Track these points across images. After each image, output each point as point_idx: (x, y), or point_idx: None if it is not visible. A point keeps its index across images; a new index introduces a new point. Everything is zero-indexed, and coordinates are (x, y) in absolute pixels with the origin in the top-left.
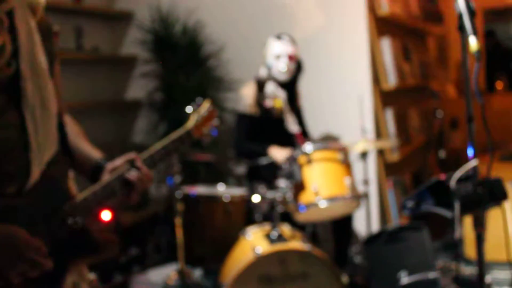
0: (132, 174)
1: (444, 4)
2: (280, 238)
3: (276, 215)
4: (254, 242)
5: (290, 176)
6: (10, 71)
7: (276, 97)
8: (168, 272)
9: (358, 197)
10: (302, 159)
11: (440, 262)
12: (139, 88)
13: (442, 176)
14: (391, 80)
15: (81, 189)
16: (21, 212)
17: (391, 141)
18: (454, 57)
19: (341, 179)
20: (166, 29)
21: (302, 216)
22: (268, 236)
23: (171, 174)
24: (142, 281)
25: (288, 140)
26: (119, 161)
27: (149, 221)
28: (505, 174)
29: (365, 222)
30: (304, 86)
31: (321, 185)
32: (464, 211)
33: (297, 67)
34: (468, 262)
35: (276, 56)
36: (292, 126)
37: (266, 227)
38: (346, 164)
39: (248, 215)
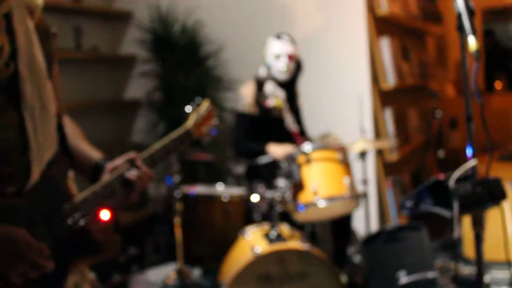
0: (132, 174)
1: (443, 4)
2: (279, 237)
3: (275, 214)
4: (253, 242)
5: (289, 175)
6: (8, 72)
7: (276, 96)
8: (167, 271)
9: (357, 197)
10: (301, 158)
11: (439, 261)
12: (138, 87)
13: (441, 176)
14: (390, 80)
15: (81, 189)
16: (21, 212)
17: (390, 141)
18: (453, 57)
19: (340, 178)
20: (165, 29)
21: (301, 216)
22: (267, 235)
23: (170, 174)
24: (141, 281)
25: (287, 140)
26: (119, 161)
27: (148, 221)
28: (504, 174)
29: (364, 222)
30: (303, 86)
31: (320, 185)
32: (463, 211)
33: (297, 66)
34: (467, 261)
35: (276, 56)
36: (291, 125)
37: (265, 226)
38: (345, 164)
39: (247, 214)
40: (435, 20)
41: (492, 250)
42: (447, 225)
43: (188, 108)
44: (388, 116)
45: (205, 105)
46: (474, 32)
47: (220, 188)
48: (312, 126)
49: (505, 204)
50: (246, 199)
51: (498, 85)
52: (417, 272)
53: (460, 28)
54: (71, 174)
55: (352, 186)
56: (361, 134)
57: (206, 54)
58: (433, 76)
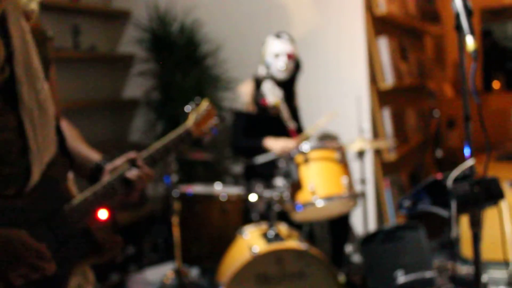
0: (133, 173)
1: (441, 3)
2: (277, 237)
3: (273, 214)
4: (251, 241)
5: (287, 175)
6: (4, 76)
7: (274, 95)
8: (164, 271)
9: (355, 197)
10: (299, 158)
11: (436, 261)
12: (136, 87)
13: (439, 176)
14: (388, 80)
15: (81, 190)
16: (21, 214)
17: (388, 141)
18: (451, 57)
19: (338, 178)
20: (163, 28)
21: (299, 215)
22: (265, 235)
23: (168, 173)
24: (138, 280)
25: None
26: (118, 161)
27: (146, 220)
28: (501, 173)
29: (362, 222)
30: (301, 85)
31: (318, 184)
32: (460, 210)
33: (296, 66)
34: (464, 261)
35: (275, 55)
36: (289, 124)
37: (263, 226)
38: (343, 164)
39: (245, 214)
40: (433, 20)
41: (489, 249)
42: (445, 224)
43: (187, 108)
44: (386, 115)
45: (204, 104)
46: (472, 32)
47: (218, 187)
48: (311, 126)
49: (503, 204)
50: (244, 199)
51: (496, 85)
52: (415, 271)
53: (458, 28)
54: (71, 175)
55: (350, 186)
56: (359, 133)
57: (204, 54)
58: (431, 76)
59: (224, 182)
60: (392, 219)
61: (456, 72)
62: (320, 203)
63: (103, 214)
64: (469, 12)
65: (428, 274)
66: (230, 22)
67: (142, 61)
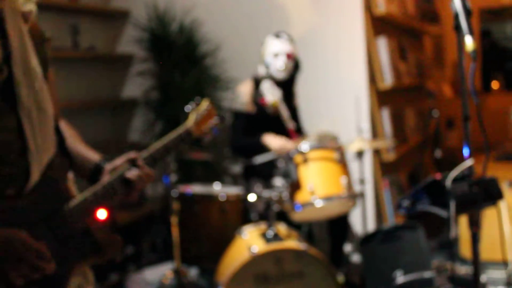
0: (133, 174)
1: (440, 3)
2: (276, 237)
3: (272, 214)
4: (250, 241)
5: (286, 175)
6: (2, 76)
7: (272, 94)
8: (163, 271)
9: (354, 197)
10: (298, 158)
11: (435, 261)
12: (135, 86)
13: (438, 176)
14: (387, 80)
15: (81, 190)
16: (21, 214)
17: (387, 141)
18: (450, 57)
19: (337, 178)
20: (162, 28)
21: (298, 215)
22: (264, 235)
23: (167, 173)
24: (137, 280)
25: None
26: (118, 161)
27: (145, 220)
28: (500, 173)
29: (361, 222)
30: (300, 85)
31: (317, 184)
32: (459, 210)
33: (295, 66)
34: (463, 261)
35: (274, 54)
36: (288, 123)
37: (262, 226)
38: (342, 164)
39: (244, 214)
40: (432, 20)
41: (488, 249)
42: (444, 224)
43: (187, 108)
44: (385, 115)
45: (204, 104)
46: (471, 32)
47: (217, 187)
48: (309, 126)
49: (502, 204)
50: (243, 199)
51: (495, 85)
52: (413, 271)
53: (457, 28)
54: (70, 175)
55: (349, 186)
56: (358, 133)
57: (203, 53)
58: (430, 76)
59: (223, 182)
60: (391, 219)
61: (455, 72)
62: (319, 203)
63: (101, 214)
64: (468, 12)
65: (427, 274)
66: (229, 22)
67: (141, 61)
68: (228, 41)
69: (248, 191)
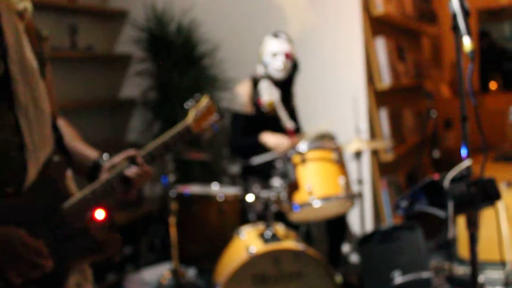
0: (132, 171)
1: (439, 4)
2: (274, 237)
3: (270, 214)
4: (248, 242)
5: (284, 175)
6: None
7: (270, 94)
8: (161, 271)
9: (352, 197)
10: (296, 158)
11: (433, 262)
12: (133, 86)
13: (436, 176)
14: (385, 80)
15: (80, 187)
16: (20, 212)
17: (385, 141)
18: (448, 57)
19: (335, 178)
20: (161, 28)
21: (296, 216)
22: (262, 235)
23: (165, 173)
24: (135, 280)
25: None
26: (117, 158)
27: (143, 220)
28: (498, 174)
29: (359, 222)
30: (298, 86)
31: (315, 185)
32: (457, 211)
33: (293, 66)
34: (461, 262)
35: (273, 54)
36: (287, 124)
37: (260, 226)
38: (341, 164)
39: (242, 214)
40: (430, 21)
41: (486, 250)
42: (442, 225)
43: (187, 104)
44: (383, 116)
45: (204, 101)
46: (469, 33)
47: (215, 187)
48: (307, 126)
49: (500, 205)
50: (241, 199)
51: (493, 85)
52: (411, 272)
53: (455, 28)
54: (69, 173)
55: (347, 186)
56: (356, 134)
57: (201, 54)
58: (428, 76)
59: (221, 182)
60: (389, 220)
61: (453, 72)
62: (317, 204)
63: (100, 214)
64: (466, 13)
65: (425, 274)
66: (228, 22)
67: (139, 61)
68: (226, 41)
69: (246, 191)
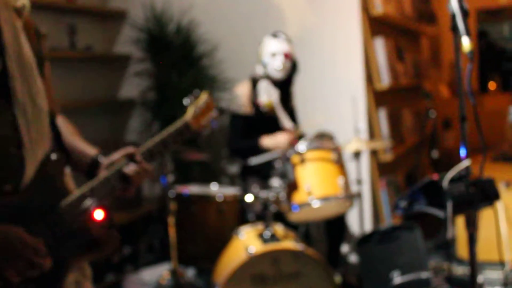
0: (130, 169)
1: (438, 4)
2: (273, 237)
3: (269, 214)
4: (247, 242)
5: (283, 175)
6: None
7: (269, 95)
8: (160, 271)
9: (351, 197)
10: (295, 158)
11: (432, 262)
12: (132, 87)
13: (435, 176)
14: (384, 80)
15: (79, 185)
16: (18, 210)
17: (384, 141)
18: (447, 58)
19: (334, 179)
20: (160, 28)
21: (295, 216)
22: (261, 235)
23: (164, 174)
24: (134, 281)
25: None
26: (116, 156)
27: (142, 221)
28: (497, 174)
29: (358, 222)
30: (297, 86)
31: (314, 185)
32: (456, 211)
33: (292, 66)
34: (460, 262)
35: (272, 54)
36: (286, 124)
37: (259, 226)
38: (340, 164)
39: (241, 214)
40: (429, 21)
41: (485, 250)
42: (441, 225)
43: (185, 101)
44: (382, 116)
45: (203, 97)
46: (468, 33)
47: (214, 188)
48: (306, 126)
49: (498, 205)
50: (240, 199)
51: (492, 85)
52: (410, 272)
53: (454, 28)
54: (68, 170)
55: (346, 186)
56: (355, 134)
57: (200, 54)
58: (427, 76)
59: (220, 182)
60: (388, 220)
61: (452, 72)
62: (316, 204)
63: (98, 214)
64: (465, 13)
65: (424, 274)
66: (227, 22)
67: (138, 61)
68: (225, 41)
69: (245, 191)
